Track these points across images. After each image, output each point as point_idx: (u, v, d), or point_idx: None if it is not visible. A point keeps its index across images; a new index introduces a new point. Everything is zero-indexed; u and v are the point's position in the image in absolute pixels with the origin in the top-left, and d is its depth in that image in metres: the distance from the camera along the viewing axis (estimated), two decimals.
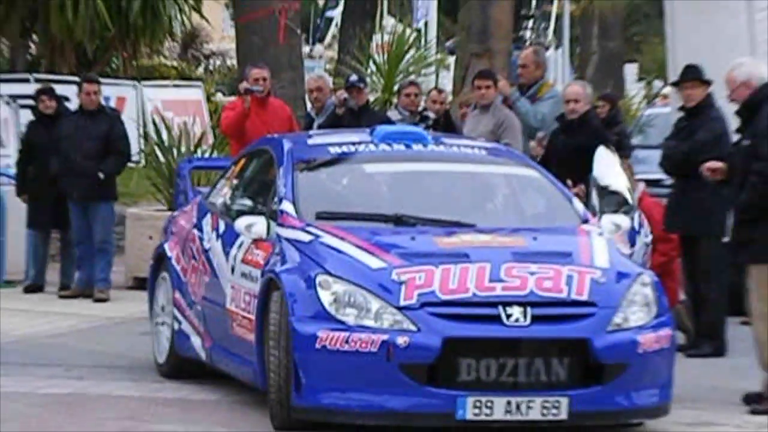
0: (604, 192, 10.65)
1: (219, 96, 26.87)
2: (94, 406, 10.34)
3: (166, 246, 10.62)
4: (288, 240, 9.14)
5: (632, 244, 10.39)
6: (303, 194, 9.66)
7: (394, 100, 17.50)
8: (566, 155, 12.57)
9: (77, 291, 15.48)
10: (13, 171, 16.83)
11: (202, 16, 29.92)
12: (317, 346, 8.10)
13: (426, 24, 32.38)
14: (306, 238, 9.07)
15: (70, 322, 14.56)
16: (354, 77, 16.94)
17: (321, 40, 38.55)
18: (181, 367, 10.08)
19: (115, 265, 16.40)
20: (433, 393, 7.89)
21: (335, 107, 15.10)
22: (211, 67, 31.57)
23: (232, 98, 19.79)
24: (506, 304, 7.99)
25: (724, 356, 12.24)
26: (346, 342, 8.04)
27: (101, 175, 15.04)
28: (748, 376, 10.80)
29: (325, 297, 8.25)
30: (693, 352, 11.92)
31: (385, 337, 7.94)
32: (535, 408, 7.80)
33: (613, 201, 10.18)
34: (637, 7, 37.40)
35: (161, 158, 17.71)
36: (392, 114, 15.62)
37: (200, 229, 10.19)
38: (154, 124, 18.71)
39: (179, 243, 10.49)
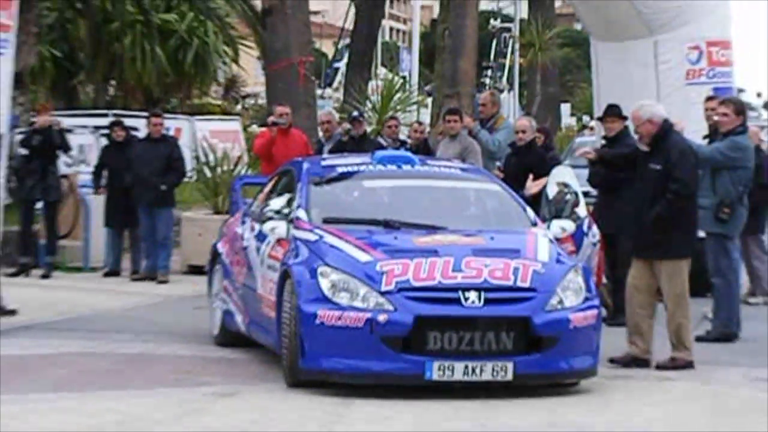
0: (556, 201, 12.47)
1: (253, 127, 28.67)
2: (158, 363, 12.18)
3: (219, 244, 12.39)
4: (300, 239, 10.64)
5: (579, 244, 11.95)
6: (314, 203, 11.31)
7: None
8: (517, 172, 14.80)
9: (144, 275, 17.86)
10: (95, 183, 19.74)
11: (239, 66, 34.21)
12: (317, 322, 9.65)
13: (410, 73, 36.28)
14: (313, 237, 10.60)
15: (139, 299, 16.73)
16: (355, 113, 19.67)
17: (330, 84, 41.79)
18: (229, 338, 11.74)
19: (173, 255, 18.81)
20: (406, 359, 9.45)
21: (341, 136, 17.66)
22: (246, 105, 34.09)
23: (263, 129, 20.26)
24: (465, 289, 9.58)
25: None
26: (339, 319, 9.59)
27: (163, 187, 17.61)
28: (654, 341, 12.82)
29: (324, 284, 9.80)
30: (613, 323, 13.49)
31: (369, 315, 9.47)
32: (487, 371, 9.37)
33: (566, 209, 11.94)
34: (570, 60, 44.39)
35: (208, 174, 20.34)
36: (381, 140, 18.37)
37: (242, 232, 11.84)
38: (203, 148, 21.82)
39: (228, 242, 12.24)
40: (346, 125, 18.19)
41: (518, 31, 44.97)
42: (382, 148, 16.72)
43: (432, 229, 10.75)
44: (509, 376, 9.50)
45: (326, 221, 10.96)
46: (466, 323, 9.62)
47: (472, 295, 9.60)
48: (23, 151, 18.34)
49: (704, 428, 10.59)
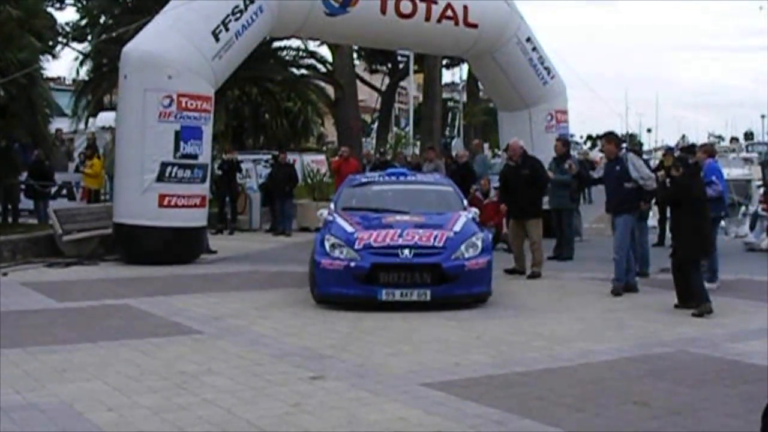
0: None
1: (331, 158, 34.13)
2: (286, 276, 16.67)
3: (325, 219, 14.97)
4: (327, 219, 14.70)
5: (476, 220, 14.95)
6: (341, 199, 15.79)
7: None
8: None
9: (280, 232, 24.76)
10: (255, 187, 27.94)
11: (324, 127, 43.53)
12: (321, 267, 13.49)
13: (409, 130, 48.57)
14: (331, 218, 14.57)
15: (276, 245, 22.82)
16: (382, 150, 29.28)
17: (368, 135, 49.21)
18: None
19: (294, 222, 26.11)
20: (367, 288, 13.22)
21: (376, 161, 26.75)
22: (327, 147, 41.09)
23: (335, 158, 29.08)
24: (403, 247, 13.37)
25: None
26: (331, 265, 13.36)
27: (287, 189, 25.53)
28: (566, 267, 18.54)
29: (327, 245, 13.59)
30: (507, 250, 19.28)
31: (346, 263, 13.33)
32: (414, 295, 13.22)
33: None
34: (488, 121, 58.26)
35: (309, 182, 29.14)
36: (396, 163, 25.88)
37: (328, 214, 15.09)
38: (308, 170, 30.64)
39: (326, 220, 14.91)
40: (378, 156, 27.69)
41: (462, 108, 67.72)
42: (395, 166, 22.62)
43: (402, 212, 14.70)
44: (429, 298, 13.23)
45: (344, 209, 15.08)
46: (402, 267, 13.28)
47: (406, 251, 13.32)
48: (219, 172, 25.68)
49: (556, 300, 14.83)
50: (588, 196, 35.64)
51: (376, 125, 51.33)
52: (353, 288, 13.22)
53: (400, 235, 13.49)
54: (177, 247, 19.04)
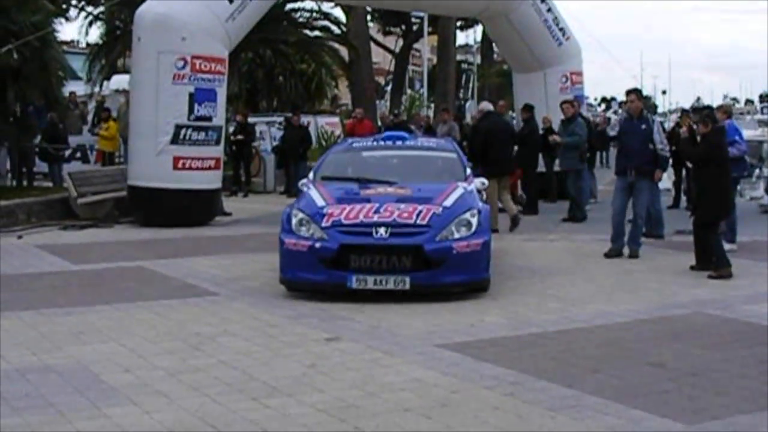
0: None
1: (345, 120, 34.43)
2: None
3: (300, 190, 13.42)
4: (300, 190, 13.00)
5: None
6: (323, 167, 13.60)
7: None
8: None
9: (292, 194, 21.52)
10: (269, 149, 27.87)
11: (338, 89, 43.07)
12: (285, 247, 11.54)
13: (423, 92, 49.59)
14: (305, 189, 12.71)
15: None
16: (396, 112, 29.44)
17: (382, 98, 51.39)
18: None
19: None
20: (335, 273, 11.22)
21: (390, 123, 26.23)
22: (341, 109, 41.55)
23: (349, 120, 30.03)
24: (378, 226, 11.33)
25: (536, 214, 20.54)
26: (295, 245, 11.39)
27: (300, 151, 25.55)
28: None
29: (294, 221, 11.57)
30: (528, 212, 19.94)
31: (310, 243, 11.30)
32: (390, 282, 11.13)
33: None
34: (502, 84, 55.72)
35: (323, 144, 29.79)
36: (411, 125, 26.83)
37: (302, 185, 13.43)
38: (322, 132, 31.63)
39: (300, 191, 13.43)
40: (392, 118, 27.74)
41: (476, 70, 66.18)
42: (409, 129, 24.09)
43: (388, 183, 12.69)
44: (407, 286, 11.15)
45: (324, 178, 13.07)
46: (377, 249, 11.20)
47: (381, 230, 11.29)
48: (240, 137, 25.97)
49: (571, 262, 14.77)
50: (605, 161, 35.43)
51: (389, 87, 51.62)
52: (319, 273, 11.25)
53: (377, 211, 11.58)
54: (192, 210, 19.09)
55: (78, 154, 27.06)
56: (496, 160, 17.97)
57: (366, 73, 32.16)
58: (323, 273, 11.28)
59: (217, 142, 19.83)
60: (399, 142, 14.35)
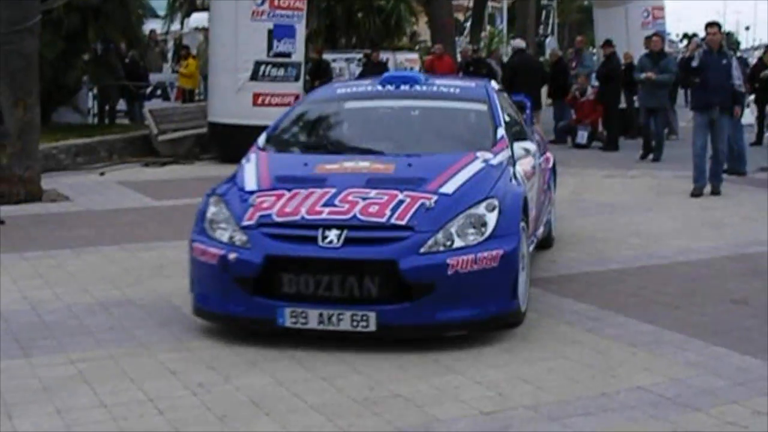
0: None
1: (424, 56, 34.34)
2: None
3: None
4: (241, 163, 8.66)
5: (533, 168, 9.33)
6: (282, 124, 9.39)
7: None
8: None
9: None
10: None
11: (417, 25, 42.51)
12: (194, 255, 7.69)
13: (503, 29, 49.15)
14: (243, 161, 8.64)
15: None
16: (475, 47, 29.42)
17: (461, 34, 48.79)
18: None
19: None
20: (258, 302, 7.18)
21: (469, 59, 26.03)
22: (420, 46, 41.23)
23: (428, 56, 29.99)
24: (327, 227, 7.19)
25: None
26: (203, 254, 7.53)
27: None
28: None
29: (208, 214, 7.74)
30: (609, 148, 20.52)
31: (222, 252, 7.33)
32: (346, 320, 7.01)
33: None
34: (582, 20, 56.95)
35: None
36: (490, 61, 26.91)
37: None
38: (401, 68, 29.53)
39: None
40: (471, 54, 27.41)
41: (556, 6, 63.17)
42: (489, 66, 24.65)
43: (367, 153, 8.49)
44: (372, 326, 7.04)
45: (278, 143, 9.11)
46: (323, 265, 7.13)
47: (332, 234, 7.19)
48: (308, 75, 23.89)
49: (652, 198, 14.84)
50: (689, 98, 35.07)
51: (469, 24, 50.93)
52: (235, 301, 7.36)
53: (329, 202, 7.49)
54: None
55: (158, 92, 27.09)
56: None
57: (445, 8, 31.75)
58: (240, 301, 7.32)
59: (297, 78, 19.81)
60: (405, 87, 9.63)
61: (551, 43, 47.13)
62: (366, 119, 9.62)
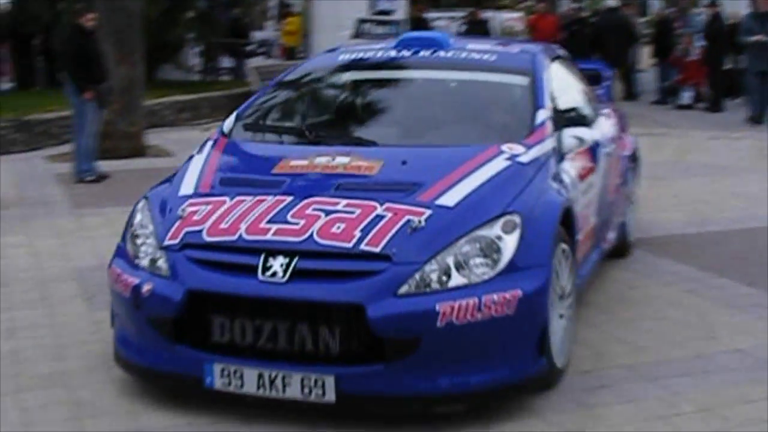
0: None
1: (527, 15, 33.04)
2: None
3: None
4: (193, 153, 6.55)
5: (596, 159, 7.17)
6: (259, 101, 7.26)
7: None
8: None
9: None
10: None
11: None
12: (110, 283, 5.75)
13: None
14: (195, 152, 6.58)
15: None
16: (578, 6, 27.70)
17: None
18: None
19: None
20: (180, 353, 5.21)
21: (570, 18, 24.31)
22: (523, 4, 40.87)
23: (532, 15, 28.54)
24: (271, 252, 5.13)
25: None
26: (117, 281, 5.57)
27: None
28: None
29: (134, 224, 5.82)
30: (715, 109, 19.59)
31: (136, 281, 5.37)
32: (294, 385, 4.98)
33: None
34: None
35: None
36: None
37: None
38: (504, 27, 30.91)
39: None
40: (572, 13, 25.69)
41: None
42: (592, 26, 22.70)
43: (356, 145, 6.28)
44: (329, 396, 4.97)
45: (246, 128, 6.85)
46: (262, 308, 5.07)
47: (276, 264, 5.08)
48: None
49: (755, 160, 14.49)
50: None
51: None
52: (152, 350, 5.43)
53: (279, 217, 5.40)
54: None
55: (262, 49, 27.55)
56: (602, 56, 17.33)
57: None
58: (159, 350, 5.38)
59: (398, 35, 19.76)
60: (424, 54, 7.35)
61: (655, 3, 46.43)
62: (365, 96, 7.33)
